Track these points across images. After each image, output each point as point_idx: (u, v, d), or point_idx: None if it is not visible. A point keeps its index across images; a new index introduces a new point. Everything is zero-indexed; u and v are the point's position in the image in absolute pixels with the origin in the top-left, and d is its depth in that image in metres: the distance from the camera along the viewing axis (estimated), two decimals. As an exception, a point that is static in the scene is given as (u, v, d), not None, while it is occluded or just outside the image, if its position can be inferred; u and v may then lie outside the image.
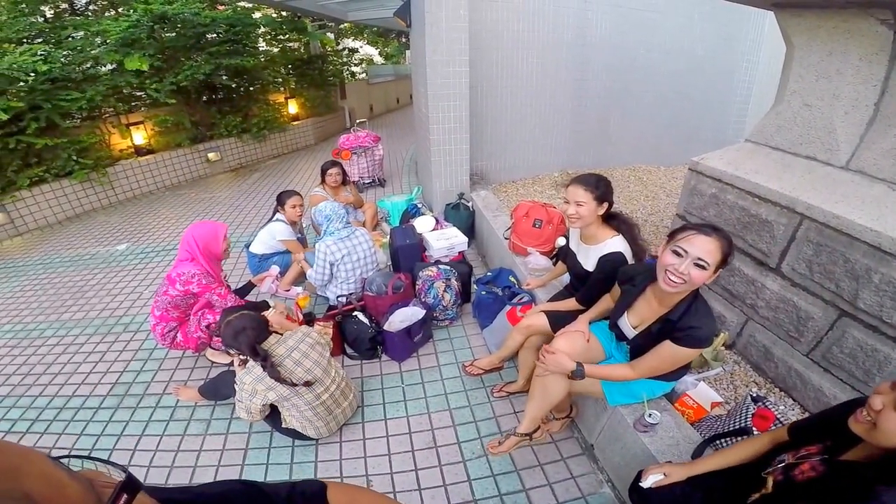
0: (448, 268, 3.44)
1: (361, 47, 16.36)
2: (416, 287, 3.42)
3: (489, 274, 3.47)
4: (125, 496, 0.46)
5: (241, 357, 2.28)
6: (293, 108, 9.65)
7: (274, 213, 3.94)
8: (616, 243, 2.15)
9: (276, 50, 9.60)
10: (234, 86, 8.36)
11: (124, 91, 7.02)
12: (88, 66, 6.62)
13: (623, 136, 5.74)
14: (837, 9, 2.10)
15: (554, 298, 2.67)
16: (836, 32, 2.15)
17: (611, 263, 2.10)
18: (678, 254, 1.59)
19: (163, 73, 7.21)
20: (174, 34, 7.26)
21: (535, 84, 5.12)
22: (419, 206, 4.84)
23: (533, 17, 4.82)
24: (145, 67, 6.51)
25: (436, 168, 4.65)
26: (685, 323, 1.65)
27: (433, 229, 4.22)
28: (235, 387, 2.22)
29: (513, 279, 3.32)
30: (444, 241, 3.93)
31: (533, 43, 4.92)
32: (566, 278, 2.78)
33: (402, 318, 3.14)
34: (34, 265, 5.01)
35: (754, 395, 1.97)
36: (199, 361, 3.18)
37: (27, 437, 2.68)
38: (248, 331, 2.17)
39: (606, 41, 5.20)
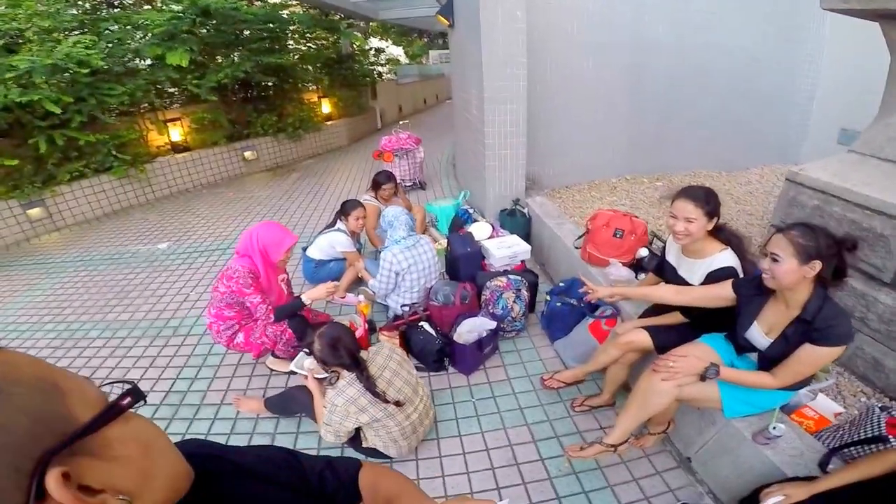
0: (518, 278, 3.25)
1: (387, 47, 16.24)
2: (483, 297, 3.23)
3: (561, 284, 3.27)
4: (129, 398, 0.51)
5: (327, 376, 2.11)
6: (326, 107, 9.57)
7: (335, 221, 3.79)
8: (726, 258, 2.04)
9: (310, 48, 9.48)
10: (269, 84, 8.25)
11: (164, 86, 6.95)
12: (129, 59, 6.54)
13: (682, 141, 5.47)
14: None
15: (646, 312, 2.50)
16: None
17: (724, 278, 1.99)
18: (764, 254, 1.71)
19: (202, 69, 7.12)
20: (214, 30, 7.16)
21: (590, 87, 4.89)
22: (470, 211, 4.64)
23: (587, 18, 4.61)
24: (185, 63, 6.39)
25: (490, 173, 4.44)
26: (822, 322, 1.62)
27: (490, 237, 4.01)
28: (324, 409, 2.05)
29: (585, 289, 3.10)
30: (505, 249, 3.72)
31: (587, 45, 4.69)
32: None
33: (470, 328, 2.95)
34: (74, 261, 4.90)
35: (879, 405, 1.92)
36: (258, 369, 3.00)
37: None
38: (345, 339, 2.01)
39: (663, 43, 4.95)
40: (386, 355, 2.14)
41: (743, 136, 5.64)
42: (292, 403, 2.44)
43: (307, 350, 2.10)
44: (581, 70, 4.79)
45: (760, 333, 1.83)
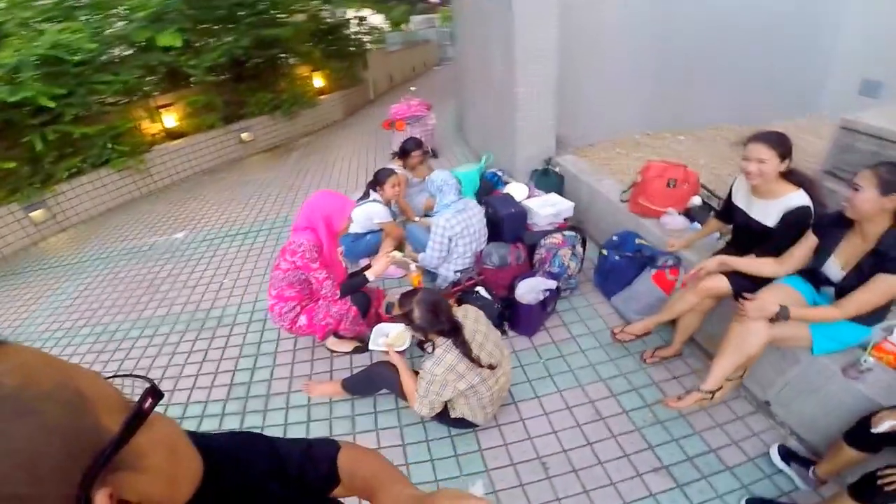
0: (573, 234, 3.19)
1: (369, 16, 15.53)
2: (537, 257, 3.17)
3: (615, 238, 3.17)
4: (150, 400, 0.48)
5: (404, 348, 2.09)
6: (318, 81, 9.19)
7: (367, 192, 3.64)
8: (801, 197, 2.11)
9: (303, 18, 9.00)
10: (260, 61, 7.87)
11: (158, 71, 6.58)
12: (115, 46, 6.16)
13: (704, 95, 5.31)
14: None
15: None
16: None
17: (801, 216, 2.08)
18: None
19: (196, 49, 6.75)
20: (206, 5, 6.73)
21: (616, 43, 4.69)
22: (498, 174, 4.50)
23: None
24: (179, 44, 6.03)
25: (520, 135, 4.29)
26: None
27: (527, 197, 3.90)
28: (421, 382, 1.97)
29: (642, 241, 3.05)
30: (548, 207, 3.61)
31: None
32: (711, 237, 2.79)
33: (529, 289, 2.88)
34: (91, 260, 4.71)
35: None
36: (317, 352, 2.90)
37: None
38: (442, 304, 1.93)
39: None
40: (474, 318, 2.06)
41: (763, 90, 5.49)
42: (376, 381, 2.35)
43: (405, 320, 1.98)
44: (607, 26, 4.58)
45: (836, 267, 1.90)
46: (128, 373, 0.54)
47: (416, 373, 2.17)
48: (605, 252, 3.11)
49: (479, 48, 5.14)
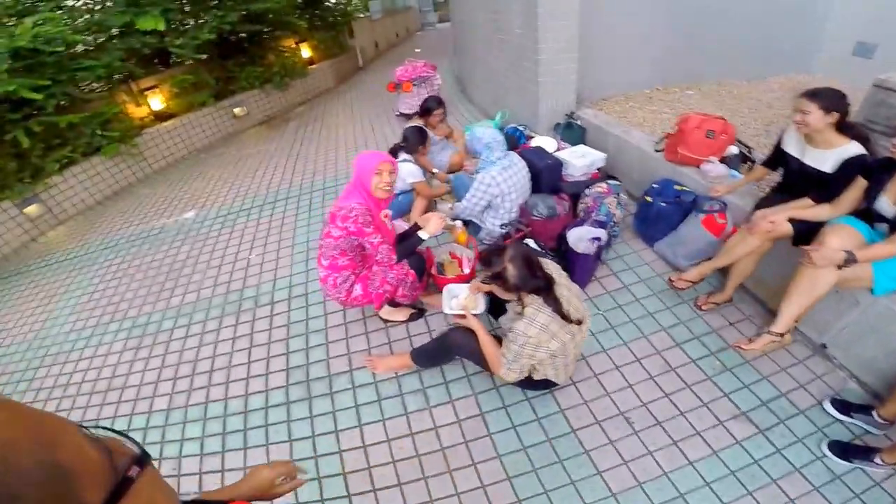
0: (617, 182, 3.18)
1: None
2: (582, 206, 3.17)
3: (654, 186, 3.16)
4: (136, 468, 0.48)
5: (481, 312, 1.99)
6: (306, 52, 8.85)
7: (395, 153, 3.50)
8: (858, 147, 2.22)
9: None
10: (244, 36, 7.50)
11: (141, 53, 6.20)
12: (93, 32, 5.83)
13: (708, 51, 5.28)
14: None
15: (764, 202, 2.60)
16: None
17: (858, 164, 2.18)
18: None
19: (180, 29, 6.38)
20: None
21: (626, 1, 4.58)
22: (520, 128, 4.37)
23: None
24: (162, 27, 5.72)
25: (543, 89, 4.21)
26: None
27: (557, 149, 3.82)
28: (511, 346, 1.86)
29: (682, 188, 3.05)
30: (582, 158, 3.54)
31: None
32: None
33: (577, 238, 2.84)
34: (100, 251, 4.49)
35: None
36: (370, 324, 2.79)
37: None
38: (534, 257, 1.81)
39: None
40: (557, 272, 1.93)
41: (762, 47, 5.54)
42: (451, 350, 2.24)
43: (495, 281, 1.84)
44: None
45: (888, 203, 1.99)
46: (109, 428, 0.52)
47: (496, 337, 2.10)
48: (649, 199, 3.07)
49: (488, 7, 5.00)
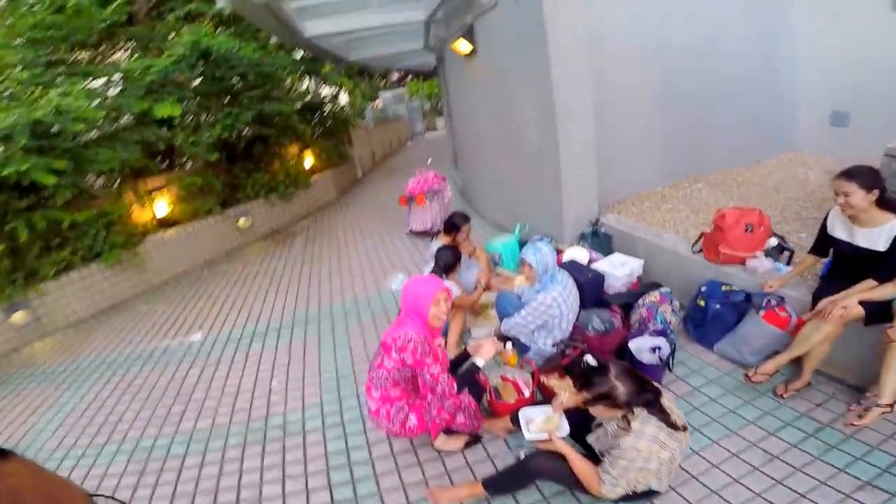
0: (668, 290, 3.14)
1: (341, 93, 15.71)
2: (636, 316, 3.09)
3: (703, 289, 3.13)
4: None
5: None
6: (308, 161, 9.05)
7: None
8: None
9: (296, 95, 9.02)
10: (257, 139, 7.59)
11: (154, 148, 6.13)
12: (113, 118, 5.71)
13: (705, 143, 5.55)
14: None
15: (822, 290, 2.57)
16: None
17: None
18: None
19: (194, 125, 6.45)
20: (210, 76, 6.46)
21: (628, 104, 4.85)
22: (543, 241, 4.34)
23: (622, 29, 4.64)
24: (178, 113, 5.73)
25: (567, 196, 4.22)
26: None
27: (590, 261, 3.78)
28: (619, 462, 1.75)
29: (729, 288, 3.04)
30: (621, 268, 3.54)
31: (622, 56, 4.67)
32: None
33: (639, 348, 2.76)
34: (94, 367, 4.13)
35: None
36: (422, 454, 2.49)
37: None
38: (637, 370, 1.79)
39: (680, 47, 5.04)
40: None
41: (750, 132, 5.89)
42: (533, 474, 2.02)
43: (597, 400, 1.74)
44: (619, 89, 4.74)
45: None
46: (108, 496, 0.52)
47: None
48: (702, 302, 3.04)
49: (494, 112, 5.16)
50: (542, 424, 2.07)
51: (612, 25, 4.55)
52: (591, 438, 2.02)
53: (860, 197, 2.20)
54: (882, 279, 2.28)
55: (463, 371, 2.29)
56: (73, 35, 5.65)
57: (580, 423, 2.13)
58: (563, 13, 3.80)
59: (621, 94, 4.78)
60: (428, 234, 5.82)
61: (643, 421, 1.72)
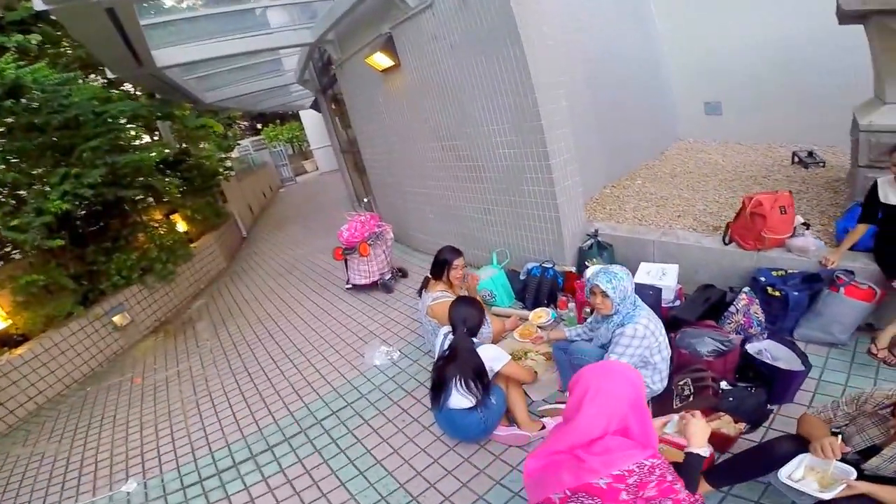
0: (748, 289, 2.89)
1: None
2: (732, 324, 2.79)
3: (762, 279, 3.01)
4: None
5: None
6: (180, 226, 7.39)
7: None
8: None
9: (155, 144, 7.23)
10: (106, 207, 5.80)
11: None
12: None
13: (628, 142, 5.80)
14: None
15: (884, 254, 2.70)
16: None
17: None
18: None
19: (16, 200, 4.70)
20: (25, 126, 4.66)
21: (581, 106, 4.75)
22: (548, 266, 3.87)
23: (572, 35, 4.63)
24: None
25: (563, 212, 3.78)
26: None
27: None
28: None
29: (779, 272, 3.01)
30: (665, 278, 3.26)
31: (568, 59, 4.52)
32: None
33: (758, 354, 2.56)
34: None
35: None
36: None
37: None
38: None
39: (595, 56, 5.17)
40: None
41: (654, 128, 6.44)
42: None
43: None
44: (571, 87, 4.57)
45: None
46: None
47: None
48: (777, 293, 2.87)
49: (439, 134, 4.64)
50: (823, 480, 1.64)
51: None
52: (872, 461, 1.63)
53: None
54: None
55: (690, 472, 1.66)
56: None
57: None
58: (533, 7, 3.41)
59: (573, 98, 4.62)
60: (377, 287, 5.00)
61: None
